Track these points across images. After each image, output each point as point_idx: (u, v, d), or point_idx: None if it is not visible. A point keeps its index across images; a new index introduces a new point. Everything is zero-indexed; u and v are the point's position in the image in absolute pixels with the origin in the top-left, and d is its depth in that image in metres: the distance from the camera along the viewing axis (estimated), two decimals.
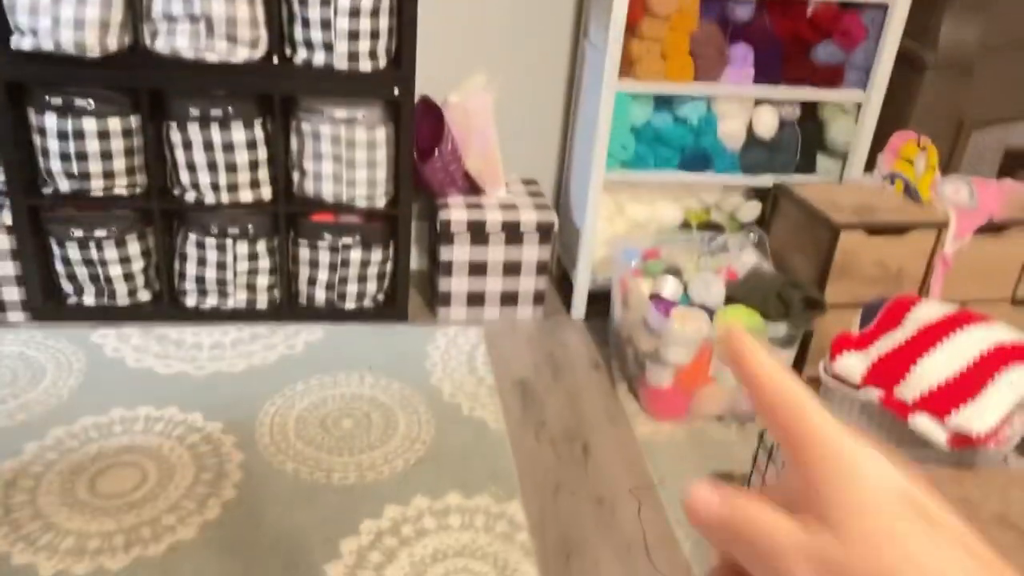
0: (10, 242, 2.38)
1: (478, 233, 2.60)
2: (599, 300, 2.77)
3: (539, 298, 2.75)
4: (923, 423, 1.51)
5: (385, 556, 1.80)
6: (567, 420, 2.31)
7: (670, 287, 2.29)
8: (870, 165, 2.64)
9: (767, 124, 2.58)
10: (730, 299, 2.28)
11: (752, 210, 2.77)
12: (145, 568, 1.71)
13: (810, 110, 2.67)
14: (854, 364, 1.63)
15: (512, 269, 2.68)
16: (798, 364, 2.34)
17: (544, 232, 2.64)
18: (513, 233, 2.62)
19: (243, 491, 1.93)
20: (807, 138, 2.67)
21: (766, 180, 2.65)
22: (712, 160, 2.63)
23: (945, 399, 1.50)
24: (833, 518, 0.29)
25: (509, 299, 2.73)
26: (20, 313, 2.48)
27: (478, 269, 2.66)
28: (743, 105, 2.59)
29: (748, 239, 2.51)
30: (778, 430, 0.32)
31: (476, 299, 2.71)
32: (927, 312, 1.66)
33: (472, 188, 2.71)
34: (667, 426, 2.31)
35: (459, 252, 2.62)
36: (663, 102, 2.58)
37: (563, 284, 2.96)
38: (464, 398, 2.35)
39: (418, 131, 2.57)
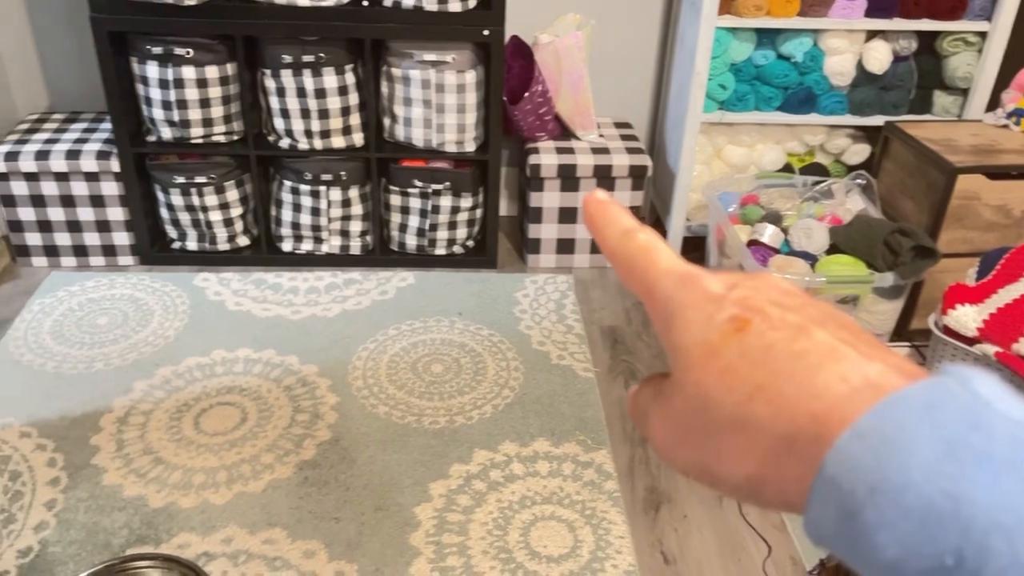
0: (119, 189, 2.47)
1: (568, 178, 2.55)
2: (694, 247, 2.69)
3: None
4: None
5: (474, 500, 1.82)
6: (657, 368, 2.26)
7: (769, 234, 2.19)
8: (993, 103, 2.44)
9: (879, 59, 2.41)
10: (834, 247, 2.17)
11: (860, 152, 2.62)
12: (246, 503, 1.78)
13: (927, 43, 2.48)
14: (968, 317, 1.52)
15: None
16: (906, 316, 2.22)
17: (637, 177, 2.56)
18: (605, 178, 2.56)
19: (337, 432, 1.98)
20: (923, 74, 2.48)
21: (876, 120, 2.49)
22: (817, 99, 2.49)
23: None
24: (677, 371, 0.29)
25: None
26: (130, 257, 2.59)
27: (568, 215, 2.62)
28: (853, 39, 2.42)
29: (855, 183, 2.37)
30: (636, 291, 0.32)
31: (566, 246, 2.67)
32: None
33: (563, 132, 2.65)
34: None
35: (549, 198, 2.58)
36: (766, 38, 2.44)
37: (657, 231, 2.88)
38: (553, 345, 2.33)
39: (508, 73, 2.52)
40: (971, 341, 1.55)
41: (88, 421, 1.97)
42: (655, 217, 2.91)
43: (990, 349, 1.51)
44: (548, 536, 1.74)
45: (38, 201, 2.46)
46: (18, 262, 2.56)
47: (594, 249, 2.68)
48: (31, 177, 2.43)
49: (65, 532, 1.69)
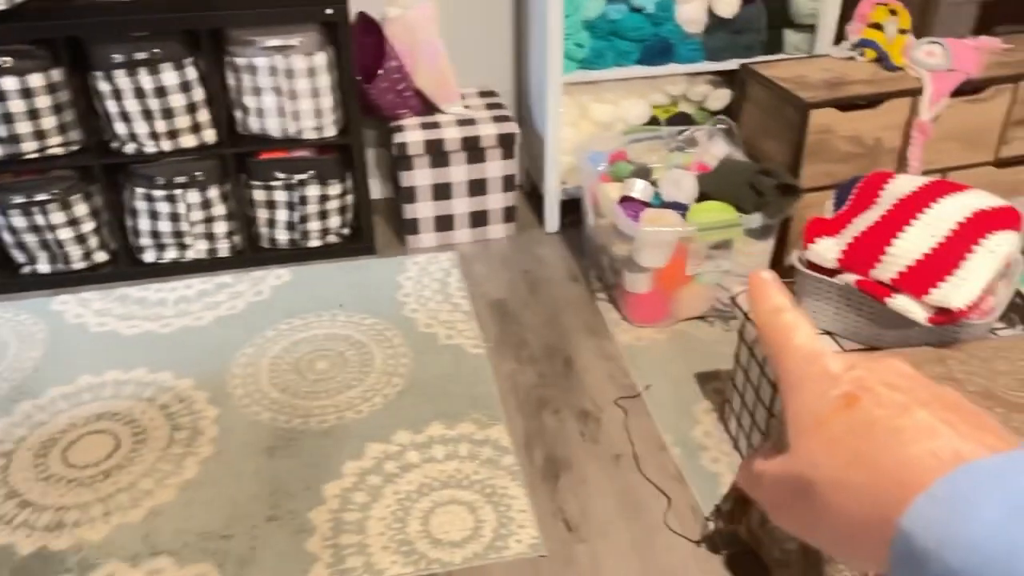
0: None
1: (438, 153, 2.49)
2: (572, 210, 2.69)
3: (509, 215, 2.66)
4: (901, 303, 1.44)
5: (370, 496, 1.76)
6: (547, 336, 2.25)
7: (639, 188, 2.19)
8: (840, 37, 2.51)
9: (728, 3, 2.43)
10: (703, 194, 2.19)
11: (721, 98, 2.65)
12: (127, 535, 1.68)
13: None
14: (828, 249, 1.55)
15: (478, 187, 2.58)
16: (778, 254, 2.27)
17: (507, 145, 2.52)
18: (474, 149, 2.51)
19: (220, 446, 1.89)
20: (772, 14, 2.52)
21: (732, 64, 2.52)
22: (674, 49, 2.50)
23: (923, 276, 1.43)
24: (790, 437, 0.32)
25: (478, 219, 2.64)
26: None
27: (443, 191, 2.56)
28: None
29: (717, 129, 2.40)
30: (772, 362, 0.35)
31: (444, 223, 2.62)
32: (901, 186, 1.57)
33: (427, 107, 2.58)
34: (649, 331, 2.26)
35: (421, 176, 2.52)
36: None
37: (534, 198, 2.87)
38: (440, 326, 2.28)
39: (359, 52, 2.43)
40: (832, 272, 1.58)
41: None
42: (531, 184, 2.89)
43: (851, 278, 1.54)
44: (449, 521, 1.71)
45: None
46: None
47: (474, 223, 2.64)
48: None
49: None
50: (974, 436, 0.27)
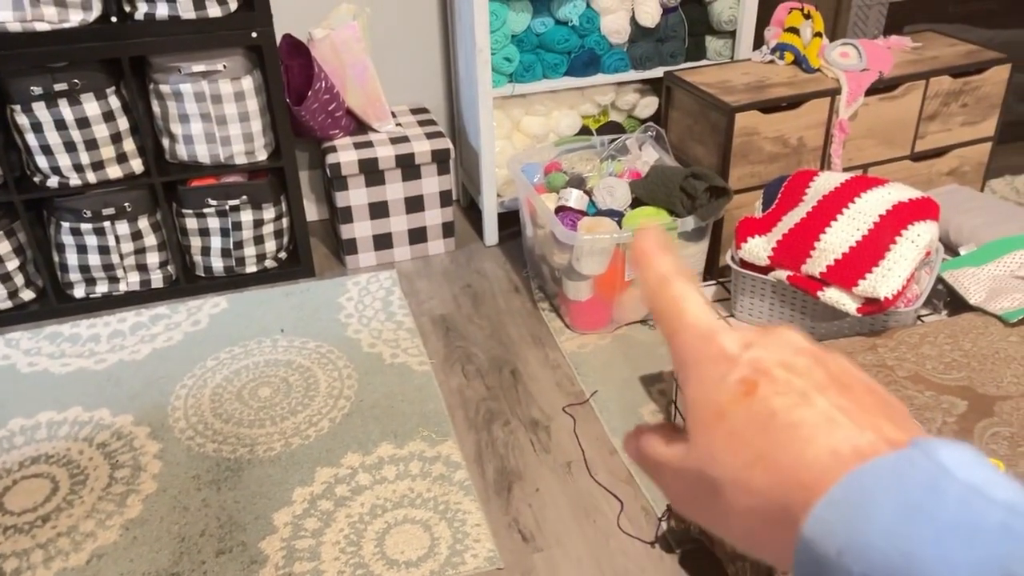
0: None
1: (372, 172, 2.48)
2: (510, 222, 2.70)
3: (448, 230, 2.67)
4: (832, 296, 1.49)
5: (322, 521, 1.74)
6: (493, 349, 2.26)
7: (574, 198, 2.22)
8: (759, 41, 2.59)
9: (650, 13, 2.49)
10: (637, 200, 2.23)
11: (650, 105, 2.70)
12: None
13: None
14: (759, 247, 1.60)
15: (415, 204, 2.58)
16: (712, 255, 2.32)
17: (441, 161, 2.53)
18: (409, 167, 2.51)
19: (163, 482, 1.84)
20: (693, 22, 2.59)
21: (657, 72, 2.57)
22: (600, 59, 2.54)
23: (851, 268, 1.48)
24: (689, 427, 0.31)
25: (417, 236, 2.64)
26: None
27: (380, 210, 2.55)
28: None
29: (647, 136, 2.45)
30: (664, 337, 0.33)
31: (383, 241, 2.61)
32: (825, 183, 1.63)
33: (359, 126, 2.57)
34: (592, 337, 2.28)
35: (356, 195, 2.50)
36: (541, 5, 2.46)
37: (472, 212, 2.88)
38: (384, 345, 2.27)
39: (288, 74, 2.42)
40: (765, 270, 1.63)
41: None
42: (469, 199, 2.90)
43: (782, 274, 1.59)
44: (404, 541, 1.70)
45: None
46: None
47: (413, 240, 2.64)
48: None
49: None
50: (873, 425, 0.27)
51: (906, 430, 0.27)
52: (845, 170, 2.35)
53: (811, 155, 2.32)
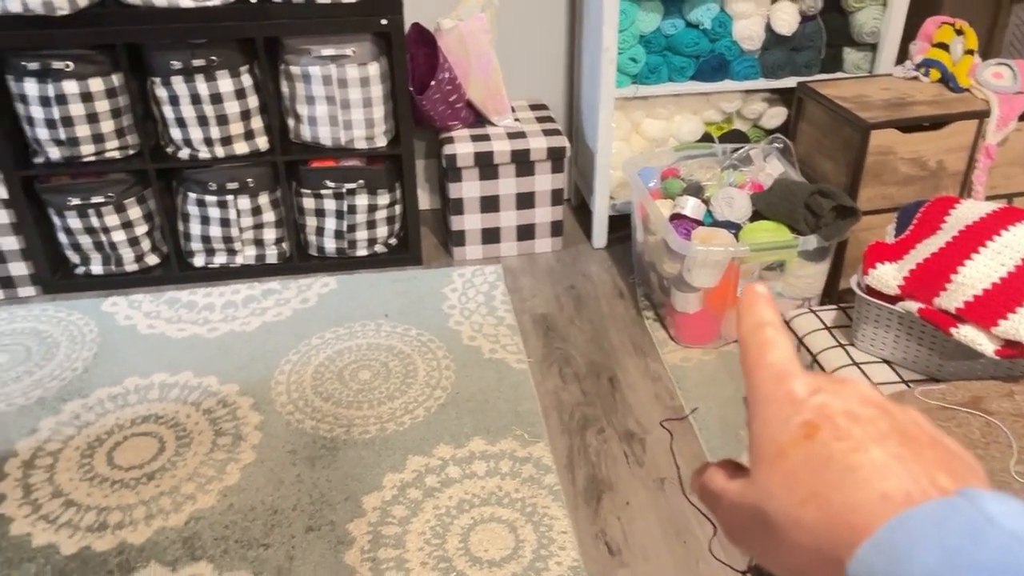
0: (9, 216, 2.32)
1: (487, 166, 2.48)
2: (620, 226, 2.65)
3: (557, 229, 2.64)
4: (967, 334, 1.38)
5: (410, 510, 1.75)
6: (592, 354, 2.22)
7: (691, 206, 2.15)
8: (902, 56, 2.44)
9: (787, 20, 2.39)
10: (756, 214, 2.14)
11: (777, 116, 2.60)
12: (167, 539, 1.68)
13: (833, 1, 2.47)
14: (889, 274, 1.50)
15: (526, 201, 2.56)
16: (832, 278, 2.20)
17: (556, 159, 2.50)
18: (524, 163, 2.49)
19: (262, 453, 1.89)
20: (832, 32, 2.47)
21: (789, 82, 2.47)
22: (730, 65, 2.45)
23: (991, 306, 1.37)
24: (751, 463, 0.32)
25: (525, 232, 2.62)
26: (31, 287, 2.44)
27: (490, 204, 2.55)
28: (759, 2, 2.39)
29: (772, 148, 2.35)
30: (745, 376, 0.35)
31: (491, 235, 2.61)
32: (968, 212, 1.51)
33: (477, 119, 2.57)
34: (697, 352, 2.21)
35: (469, 188, 2.51)
36: (672, 6, 2.39)
37: (582, 212, 2.84)
38: (484, 339, 2.26)
39: (413, 63, 2.43)
40: (893, 299, 1.52)
41: None
42: (580, 199, 2.86)
43: (913, 306, 1.49)
44: (489, 539, 1.68)
45: None
46: None
47: (520, 236, 2.62)
48: None
49: None
50: (927, 475, 0.28)
51: (964, 482, 0.28)
52: (988, 199, 2.19)
53: (950, 180, 2.17)
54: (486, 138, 2.49)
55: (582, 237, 2.75)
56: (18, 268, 2.40)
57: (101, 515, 1.73)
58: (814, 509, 0.29)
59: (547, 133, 2.52)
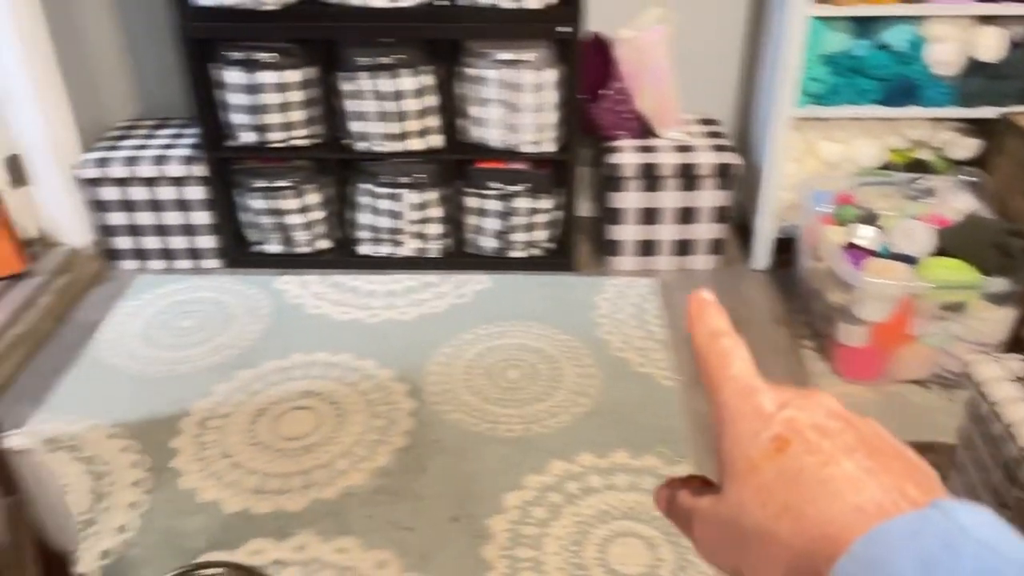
0: (204, 193, 2.51)
1: (651, 177, 2.46)
2: (784, 249, 2.56)
3: (717, 247, 2.58)
4: None
5: (549, 513, 1.76)
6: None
7: (867, 235, 2.05)
8: None
9: (992, 46, 2.23)
10: (939, 250, 2.02)
11: (968, 147, 2.43)
12: (320, 510, 1.77)
13: None
14: None
15: (688, 216, 2.52)
16: (1020, 325, 2.04)
17: (724, 175, 2.45)
18: (689, 177, 2.45)
19: (412, 439, 1.95)
20: None
21: (987, 112, 2.30)
22: (919, 91, 2.32)
23: None
24: (722, 479, 0.32)
25: (684, 248, 2.58)
26: (214, 260, 2.64)
27: (651, 216, 2.52)
28: (962, 25, 2.25)
29: (962, 181, 2.20)
30: (706, 390, 0.34)
31: (648, 248, 2.58)
32: None
33: (645, 130, 2.56)
34: (859, 388, 2.10)
35: (630, 198, 2.50)
36: (863, 27, 2.29)
37: (743, 231, 2.76)
38: (633, 352, 2.25)
39: (587, 70, 2.45)
40: None
41: (170, 424, 2.00)
42: (742, 218, 2.79)
43: None
44: (626, 554, 1.67)
45: (128, 206, 2.53)
46: (108, 266, 2.63)
47: (678, 251, 2.59)
48: (121, 183, 2.49)
49: (145, 534, 1.71)
50: (896, 486, 0.28)
51: (931, 493, 0.28)
52: None
53: None
54: (652, 150, 2.47)
55: (741, 257, 2.68)
56: (206, 241, 2.60)
57: (263, 480, 1.85)
58: (789, 522, 0.29)
59: (716, 149, 2.47)
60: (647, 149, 2.47)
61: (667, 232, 2.55)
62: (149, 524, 1.74)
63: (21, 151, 2.44)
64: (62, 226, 2.55)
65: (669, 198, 2.49)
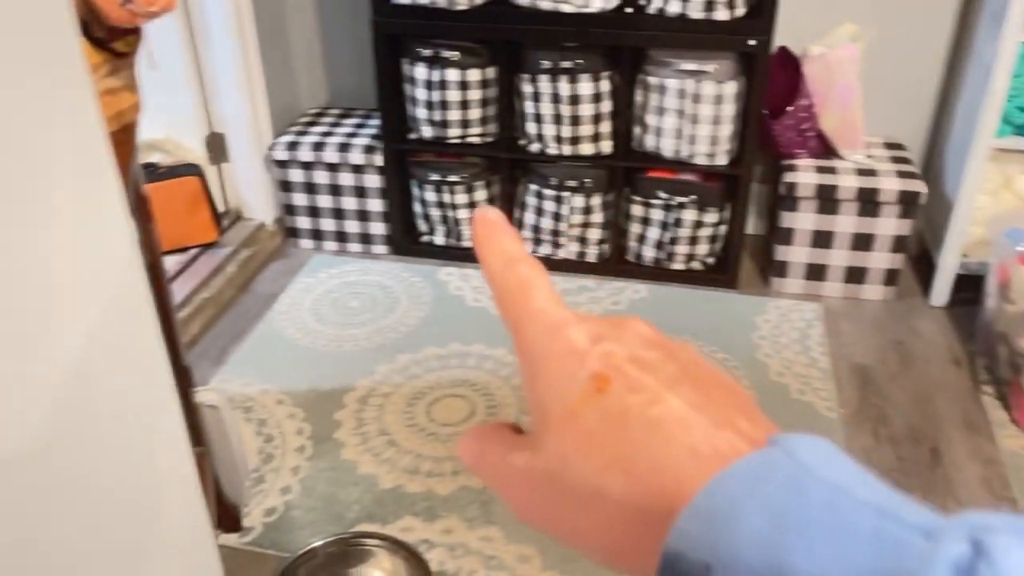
0: (380, 182, 2.63)
1: (827, 199, 2.36)
2: (968, 286, 2.40)
3: (891, 277, 2.45)
4: None
5: None
6: (914, 419, 2.04)
7: None
8: None
9: None
10: None
11: None
12: (468, 497, 1.81)
13: None
14: None
15: (863, 242, 2.41)
16: None
17: (907, 203, 2.32)
18: (869, 202, 2.34)
19: None
20: None
21: None
22: None
23: None
24: (537, 429, 0.28)
25: (855, 275, 2.47)
26: (383, 246, 2.75)
27: (823, 239, 2.43)
28: None
29: None
30: (508, 327, 0.30)
31: (816, 272, 2.49)
32: None
33: (825, 149, 2.46)
34: None
35: (803, 219, 2.41)
36: None
37: (922, 263, 2.61)
38: (793, 378, 2.17)
39: (770, 85, 2.39)
40: None
41: (334, 396, 2.11)
42: (922, 249, 2.63)
43: None
44: None
45: (310, 188, 2.69)
46: (288, 243, 2.80)
47: (849, 278, 2.48)
48: (307, 166, 2.65)
49: (306, 498, 1.82)
50: (727, 420, 0.26)
51: (760, 424, 0.26)
52: None
53: None
54: (832, 171, 2.38)
55: (918, 291, 2.53)
56: (377, 228, 2.72)
57: (416, 460, 1.92)
58: (619, 475, 0.25)
59: (900, 175, 2.35)
60: (826, 170, 2.38)
61: (839, 257, 2.45)
62: (310, 489, 1.84)
63: (224, 130, 2.64)
64: (251, 202, 2.74)
65: (845, 222, 2.39)
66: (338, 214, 2.71)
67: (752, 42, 2.20)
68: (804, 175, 2.36)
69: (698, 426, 0.25)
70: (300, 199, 2.71)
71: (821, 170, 2.38)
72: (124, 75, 1.02)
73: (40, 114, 0.60)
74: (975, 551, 0.19)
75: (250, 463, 1.87)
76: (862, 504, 0.22)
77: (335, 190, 2.68)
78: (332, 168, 2.64)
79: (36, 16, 0.58)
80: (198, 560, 0.98)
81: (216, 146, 2.65)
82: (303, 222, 2.75)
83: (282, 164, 2.67)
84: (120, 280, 0.73)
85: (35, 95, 0.60)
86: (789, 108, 2.29)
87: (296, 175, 2.67)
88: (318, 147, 2.61)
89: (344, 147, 2.60)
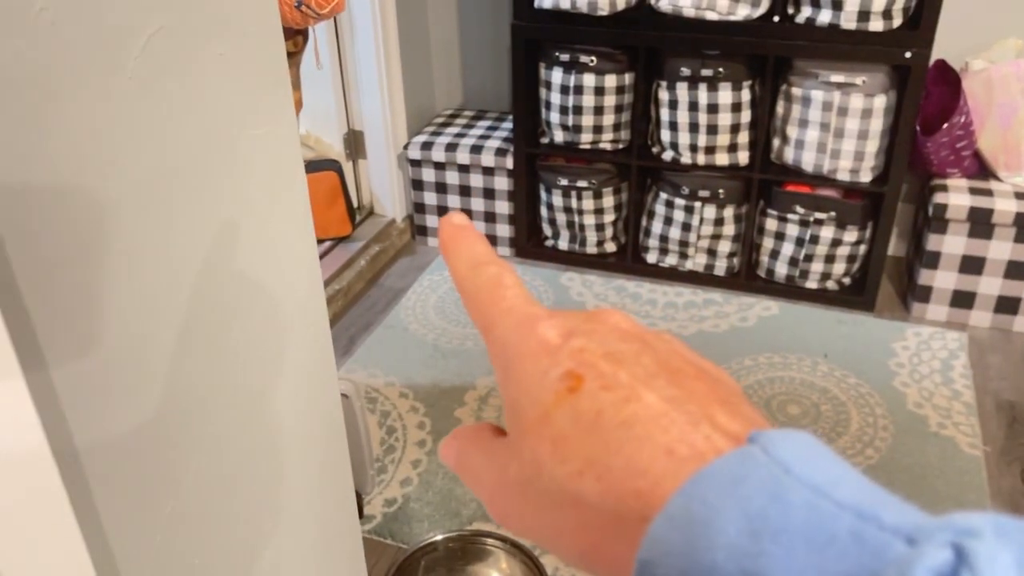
0: (509, 184, 2.66)
1: (981, 223, 2.22)
2: None
3: None
4: None
5: None
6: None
7: None
8: None
9: None
10: None
11: None
12: None
13: None
14: None
15: (1018, 271, 2.25)
16: None
17: None
18: None
19: None
20: None
21: None
22: None
23: None
24: (511, 432, 0.28)
25: (1007, 305, 2.31)
26: (507, 248, 2.78)
27: (973, 265, 2.28)
28: None
29: None
30: (479, 329, 0.30)
31: (963, 299, 2.34)
32: None
33: (980, 170, 2.32)
34: None
35: (952, 243, 2.27)
36: None
37: None
38: (932, 410, 2.05)
39: (925, 100, 2.26)
40: None
41: (455, 393, 2.14)
42: None
43: None
44: None
45: (441, 188, 2.74)
46: (416, 240, 2.87)
47: (999, 308, 2.32)
48: (439, 166, 2.70)
49: (424, 492, 1.85)
50: (705, 414, 0.24)
51: (741, 416, 0.25)
52: None
53: None
54: (988, 193, 2.23)
55: None
56: (503, 230, 2.75)
57: None
58: (593, 480, 0.24)
59: None
60: (982, 191, 2.24)
61: (989, 285, 2.30)
62: (428, 483, 1.87)
63: (362, 128, 2.73)
64: (383, 199, 2.82)
65: (999, 248, 2.24)
66: (466, 215, 2.75)
67: (908, 54, 2.09)
68: (956, 196, 2.23)
69: (674, 424, 0.24)
70: (430, 198, 2.77)
71: (975, 191, 2.24)
72: (291, 73, 1.06)
73: (251, 109, 0.63)
74: (958, 558, 0.18)
75: (374, 452, 1.92)
76: (842, 507, 0.20)
77: (465, 191, 2.72)
78: (463, 169, 2.68)
79: (253, 22, 0.60)
80: (342, 542, 1.01)
81: (354, 143, 2.74)
82: (432, 220, 2.81)
83: (415, 163, 2.73)
84: (307, 271, 0.76)
85: (251, 90, 0.63)
86: (945, 125, 2.16)
87: (428, 175, 2.73)
88: (451, 148, 2.66)
89: (476, 149, 2.64)
